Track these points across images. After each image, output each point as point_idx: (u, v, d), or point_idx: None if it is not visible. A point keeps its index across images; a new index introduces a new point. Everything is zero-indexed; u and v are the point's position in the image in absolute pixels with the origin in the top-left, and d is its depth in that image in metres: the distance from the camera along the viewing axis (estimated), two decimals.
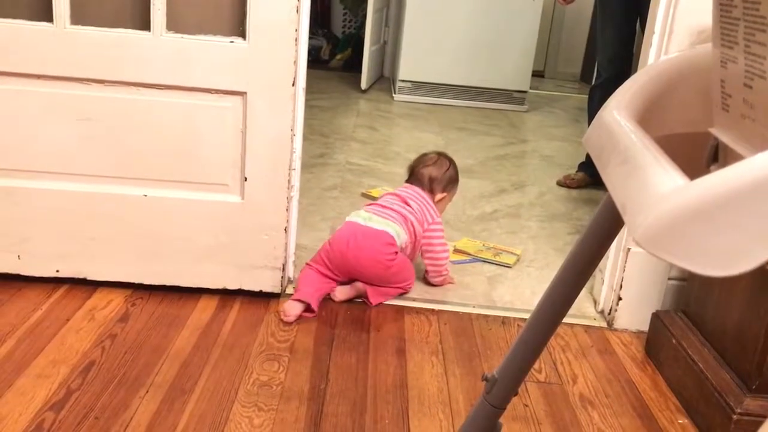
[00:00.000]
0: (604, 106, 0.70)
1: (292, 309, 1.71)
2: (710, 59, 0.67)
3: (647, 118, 0.69)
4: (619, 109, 0.67)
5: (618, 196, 0.52)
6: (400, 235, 1.87)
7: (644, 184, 0.48)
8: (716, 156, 0.65)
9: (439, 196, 2.03)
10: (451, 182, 2.07)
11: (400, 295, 1.87)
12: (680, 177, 0.47)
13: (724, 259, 0.41)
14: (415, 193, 1.99)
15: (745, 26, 0.55)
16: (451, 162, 2.10)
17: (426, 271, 1.96)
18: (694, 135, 0.72)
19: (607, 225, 0.77)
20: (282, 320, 1.70)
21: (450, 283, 1.99)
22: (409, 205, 1.94)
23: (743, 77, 0.56)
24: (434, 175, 2.03)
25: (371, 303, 1.81)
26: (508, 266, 2.12)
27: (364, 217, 1.89)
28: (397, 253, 1.85)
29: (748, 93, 0.56)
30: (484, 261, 2.14)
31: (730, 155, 0.62)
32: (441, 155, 2.10)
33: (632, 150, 0.56)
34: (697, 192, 0.42)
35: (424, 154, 2.13)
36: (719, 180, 0.41)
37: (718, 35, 0.60)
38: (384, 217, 1.88)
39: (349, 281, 1.85)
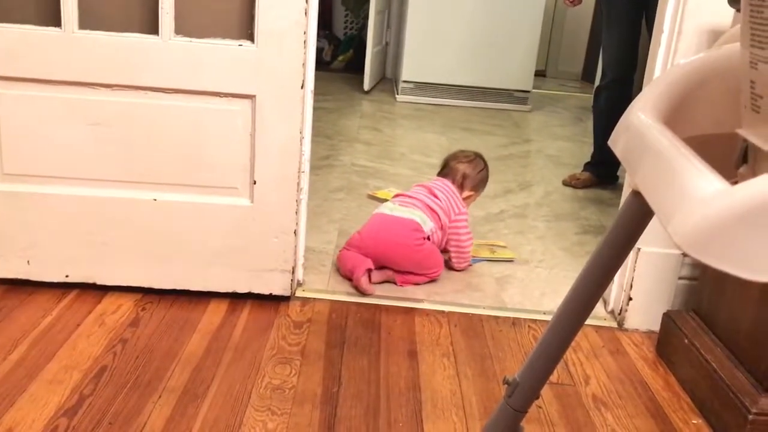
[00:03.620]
0: (629, 108, 0.70)
1: (367, 285, 1.86)
2: (736, 60, 0.66)
3: (673, 120, 0.69)
4: (645, 111, 0.67)
5: (653, 200, 0.52)
6: (425, 222, 1.98)
7: (682, 187, 0.48)
8: (745, 157, 0.64)
9: (466, 193, 2.14)
10: (481, 183, 2.19)
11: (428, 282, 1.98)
12: (719, 181, 0.47)
13: None
14: (444, 185, 2.10)
15: None
16: (486, 165, 2.21)
17: (449, 258, 2.07)
18: (719, 136, 0.71)
19: (631, 227, 0.76)
20: (362, 291, 1.86)
21: (470, 266, 2.10)
22: (436, 197, 2.05)
23: None
24: (467, 173, 2.15)
25: (399, 284, 1.94)
26: (510, 260, 2.14)
27: (390, 208, 2.03)
28: (425, 239, 1.96)
29: None
30: (487, 260, 2.14)
31: (760, 156, 0.61)
32: (478, 155, 2.22)
33: (665, 153, 0.55)
34: (743, 197, 0.41)
35: (462, 151, 2.25)
36: (765, 184, 0.41)
37: (747, 36, 0.60)
38: (408, 206, 2.01)
39: (380, 268, 1.95)
